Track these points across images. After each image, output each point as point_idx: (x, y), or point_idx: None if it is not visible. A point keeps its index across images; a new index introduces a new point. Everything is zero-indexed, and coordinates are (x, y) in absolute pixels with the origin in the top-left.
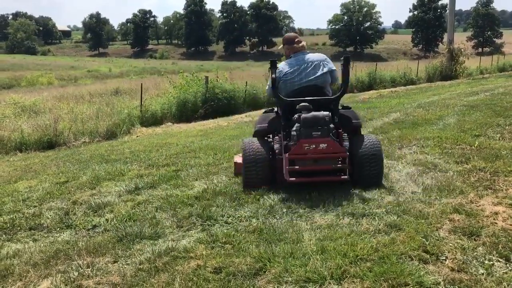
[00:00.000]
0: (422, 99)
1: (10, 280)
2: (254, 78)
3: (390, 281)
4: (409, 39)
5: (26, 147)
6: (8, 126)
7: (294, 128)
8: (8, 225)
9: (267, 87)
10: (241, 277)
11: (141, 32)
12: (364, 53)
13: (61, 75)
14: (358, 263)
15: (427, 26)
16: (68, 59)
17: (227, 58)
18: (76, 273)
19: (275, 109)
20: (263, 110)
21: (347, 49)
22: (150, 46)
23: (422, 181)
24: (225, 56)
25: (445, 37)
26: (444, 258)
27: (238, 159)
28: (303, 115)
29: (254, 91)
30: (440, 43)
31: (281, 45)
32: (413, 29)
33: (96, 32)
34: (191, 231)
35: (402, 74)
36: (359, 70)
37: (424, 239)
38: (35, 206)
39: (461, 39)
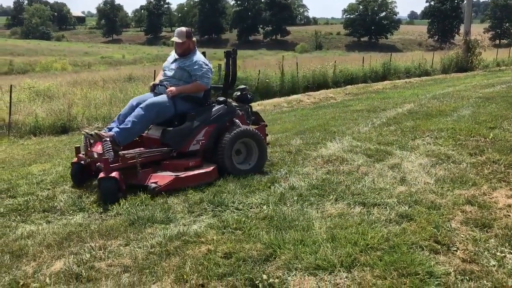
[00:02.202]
0: (436, 90)
1: (24, 260)
2: (267, 67)
3: (400, 270)
4: (424, 30)
5: (40, 131)
6: (23, 111)
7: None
8: (23, 207)
9: (207, 78)
10: (251, 262)
11: (155, 19)
12: (379, 44)
13: (75, 61)
14: (369, 251)
15: (443, 17)
16: (82, 45)
17: (240, 46)
18: (88, 255)
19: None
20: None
21: (362, 39)
22: (163, 33)
23: (434, 172)
24: (238, 44)
25: (462, 28)
26: (456, 249)
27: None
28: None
29: (267, 80)
30: (456, 35)
31: (188, 39)
32: (429, 20)
33: (110, 19)
34: (202, 217)
35: (417, 65)
36: (374, 60)
37: (435, 230)
38: (48, 189)
39: (478, 30)
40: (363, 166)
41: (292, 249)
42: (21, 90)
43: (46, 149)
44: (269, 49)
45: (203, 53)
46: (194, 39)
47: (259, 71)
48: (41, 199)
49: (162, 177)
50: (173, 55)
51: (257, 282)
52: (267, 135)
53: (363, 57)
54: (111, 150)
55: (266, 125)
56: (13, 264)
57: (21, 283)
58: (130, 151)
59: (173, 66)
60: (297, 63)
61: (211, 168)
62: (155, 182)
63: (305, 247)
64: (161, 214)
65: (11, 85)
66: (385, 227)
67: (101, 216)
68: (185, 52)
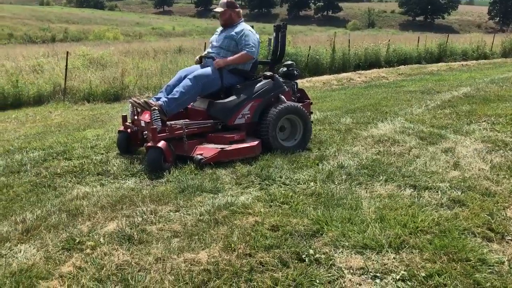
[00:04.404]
0: (495, 74)
1: (80, 219)
2: (317, 43)
3: (450, 255)
4: (485, 11)
5: (93, 98)
6: (78, 77)
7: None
8: (78, 169)
9: (253, 47)
10: (298, 236)
11: None
12: (435, 24)
13: (126, 31)
14: (418, 234)
15: None
16: (134, 16)
17: (290, 21)
18: (140, 218)
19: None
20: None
21: (417, 18)
22: (213, 6)
23: (490, 159)
24: (288, 19)
25: None
26: (510, 238)
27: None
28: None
29: (317, 56)
30: None
31: (230, 8)
32: (491, 1)
33: None
34: (250, 189)
35: (475, 47)
36: (429, 41)
37: (489, 217)
38: (102, 154)
39: None
40: (415, 149)
41: (340, 227)
42: (75, 57)
43: (99, 116)
44: (319, 25)
45: (251, 27)
46: (238, 10)
47: (310, 47)
48: (95, 163)
49: (208, 149)
50: (219, 29)
51: (303, 256)
52: (311, 112)
53: (418, 37)
54: (159, 119)
55: (311, 103)
56: (70, 222)
57: (77, 241)
58: (177, 121)
59: (220, 36)
60: (349, 40)
61: (256, 142)
62: (201, 154)
63: (353, 225)
64: (210, 184)
65: (67, 52)
66: (436, 211)
67: (152, 182)
68: (227, 22)
